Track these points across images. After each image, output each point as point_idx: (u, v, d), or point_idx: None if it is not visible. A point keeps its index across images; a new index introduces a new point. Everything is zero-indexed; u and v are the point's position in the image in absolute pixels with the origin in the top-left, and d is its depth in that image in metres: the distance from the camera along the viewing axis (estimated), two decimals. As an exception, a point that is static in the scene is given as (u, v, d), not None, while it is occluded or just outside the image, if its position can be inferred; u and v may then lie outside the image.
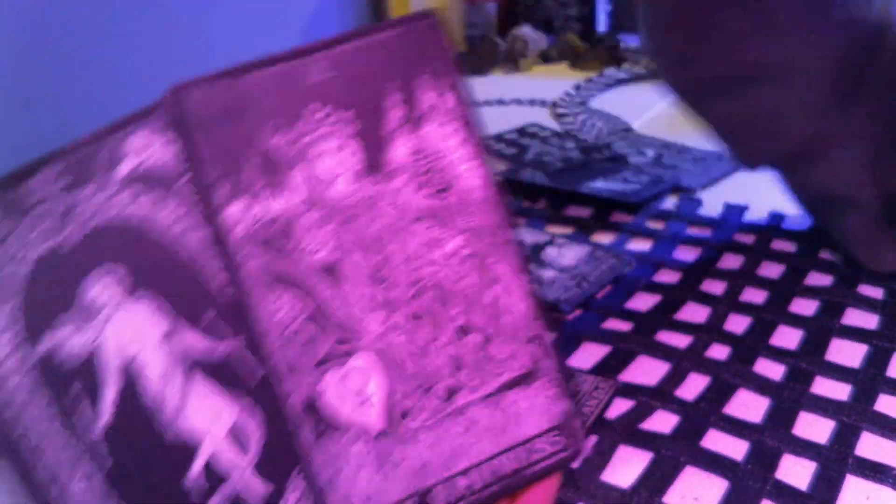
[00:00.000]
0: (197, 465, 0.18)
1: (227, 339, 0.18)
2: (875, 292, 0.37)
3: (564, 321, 0.38)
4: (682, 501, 0.27)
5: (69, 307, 0.17)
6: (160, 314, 0.18)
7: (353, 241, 0.19)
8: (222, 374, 0.18)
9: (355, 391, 0.19)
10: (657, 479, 0.28)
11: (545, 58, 0.85)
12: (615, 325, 0.37)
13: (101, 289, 0.18)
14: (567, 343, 0.36)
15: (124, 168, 0.18)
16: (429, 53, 0.20)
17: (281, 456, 0.18)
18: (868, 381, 0.32)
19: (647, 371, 0.34)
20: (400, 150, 0.19)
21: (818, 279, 0.39)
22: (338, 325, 0.19)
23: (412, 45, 0.20)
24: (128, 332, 0.18)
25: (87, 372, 0.17)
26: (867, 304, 0.37)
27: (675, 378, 0.33)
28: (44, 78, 0.57)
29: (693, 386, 0.33)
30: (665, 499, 0.27)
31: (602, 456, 0.29)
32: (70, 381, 0.18)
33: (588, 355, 0.35)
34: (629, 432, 0.30)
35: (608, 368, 0.34)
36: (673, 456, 0.29)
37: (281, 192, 0.19)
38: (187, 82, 0.18)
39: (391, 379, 0.19)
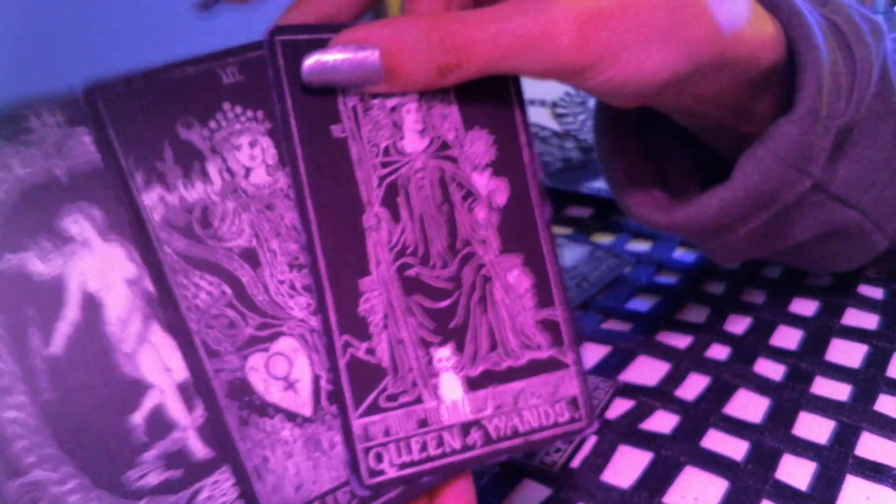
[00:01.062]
0: (140, 413, 0.18)
1: None
2: (875, 292, 0.37)
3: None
4: (682, 501, 0.27)
5: (39, 234, 0.18)
6: (128, 260, 0.18)
7: (269, 229, 0.20)
8: (173, 330, 0.19)
9: (279, 376, 0.19)
10: (657, 479, 0.28)
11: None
12: (615, 325, 0.38)
13: (74, 223, 0.18)
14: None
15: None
16: None
17: (222, 419, 0.19)
18: (868, 381, 0.32)
19: (647, 371, 0.34)
20: None
21: (818, 279, 0.39)
22: (259, 310, 0.19)
23: None
24: (93, 270, 0.18)
25: (42, 300, 0.17)
26: (867, 304, 0.37)
27: (675, 378, 0.33)
28: (47, 79, 0.58)
29: (693, 386, 0.33)
30: (665, 499, 0.27)
31: (602, 456, 0.29)
32: (23, 304, 0.17)
33: (588, 355, 0.35)
34: (629, 432, 0.30)
35: (608, 368, 0.34)
36: (673, 456, 0.29)
37: (196, 182, 0.19)
38: (104, 79, 0.19)
39: (316, 364, 0.20)
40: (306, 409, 0.19)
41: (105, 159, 0.18)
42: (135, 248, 0.18)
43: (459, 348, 0.21)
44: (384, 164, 0.21)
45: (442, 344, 0.21)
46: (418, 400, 0.20)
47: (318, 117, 0.20)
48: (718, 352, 0.35)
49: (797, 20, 0.27)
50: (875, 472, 0.27)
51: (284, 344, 0.19)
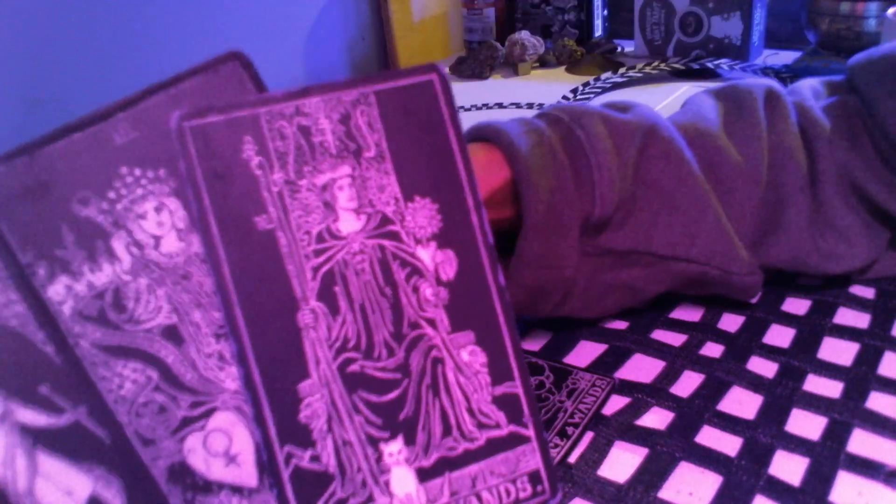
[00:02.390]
0: None
1: (68, 412, 0.18)
2: (866, 292, 0.38)
3: (561, 320, 0.38)
4: (677, 496, 0.27)
5: None
6: None
7: (189, 300, 0.19)
8: (68, 447, 0.18)
9: (220, 453, 0.19)
10: (652, 475, 0.28)
11: (543, 62, 0.86)
12: (611, 323, 0.38)
13: None
14: (564, 341, 0.37)
15: None
16: (233, 95, 0.20)
17: None
18: (859, 378, 0.32)
19: (642, 369, 0.34)
20: None
21: (810, 279, 0.39)
22: (189, 389, 0.19)
23: (216, 91, 0.20)
24: None
25: None
26: (858, 303, 0.37)
27: (669, 375, 0.34)
28: (50, 80, 0.58)
29: (687, 383, 0.33)
30: (660, 494, 0.27)
31: (598, 452, 0.29)
32: None
33: (584, 353, 0.36)
34: (625, 429, 0.30)
35: (604, 366, 0.35)
36: (668, 452, 0.29)
37: (102, 263, 0.18)
38: None
39: (256, 434, 0.19)
40: (252, 481, 0.19)
41: (2, 259, 0.17)
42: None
43: (410, 440, 0.20)
44: (318, 252, 0.19)
45: (391, 438, 0.20)
46: (369, 499, 0.20)
47: (239, 207, 0.18)
48: (712, 350, 0.35)
49: (508, 150, 0.32)
50: (867, 468, 0.28)
51: (220, 419, 0.19)
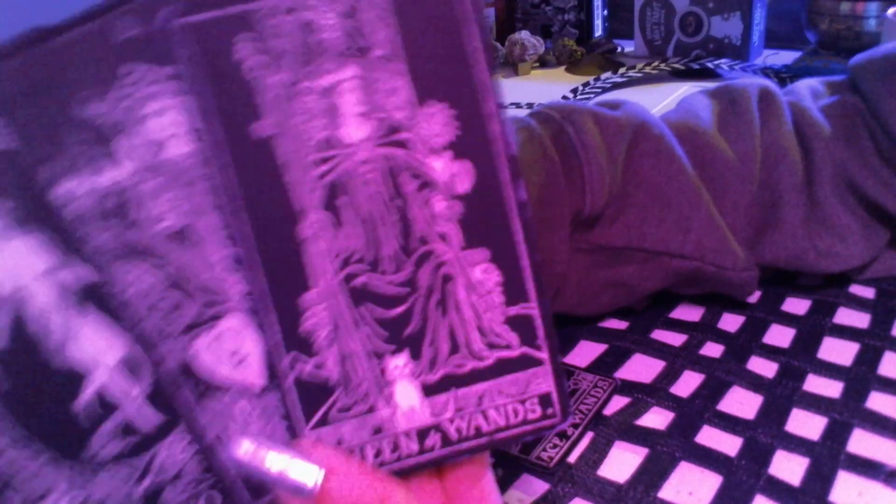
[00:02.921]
0: (86, 394, 0.18)
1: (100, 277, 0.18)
2: (866, 292, 0.38)
3: (561, 320, 0.38)
4: (677, 496, 0.27)
5: None
6: (46, 248, 0.18)
7: (200, 203, 0.18)
8: (112, 311, 0.18)
9: (230, 352, 0.19)
10: (652, 475, 0.28)
11: (543, 62, 0.86)
12: (611, 323, 0.38)
13: None
14: (564, 341, 0.37)
15: None
16: None
17: (170, 397, 0.19)
18: (859, 378, 0.32)
19: (642, 369, 0.34)
20: None
21: (810, 279, 0.39)
22: (201, 288, 0.18)
23: None
24: (9, 265, 0.18)
25: None
26: (858, 303, 0.37)
27: (669, 375, 0.34)
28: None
29: (687, 383, 0.33)
30: (660, 494, 0.27)
31: (598, 451, 0.29)
32: None
33: (584, 353, 0.36)
34: (625, 428, 0.30)
35: (604, 366, 0.35)
36: (668, 452, 0.29)
37: (108, 164, 0.17)
38: None
39: (265, 338, 0.19)
40: (259, 381, 0.19)
41: (21, 141, 0.17)
42: (53, 233, 0.17)
43: (416, 355, 0.20)
44: (320, 161, 0.18)
45: (396, 352, 0.20)
46: (371, 409, 0.19)
47: (234, 113, 0.17)
48: (712, 350, 0.35)
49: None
50: (867, 468, 0.28)
51: (230, 321, 0.19)
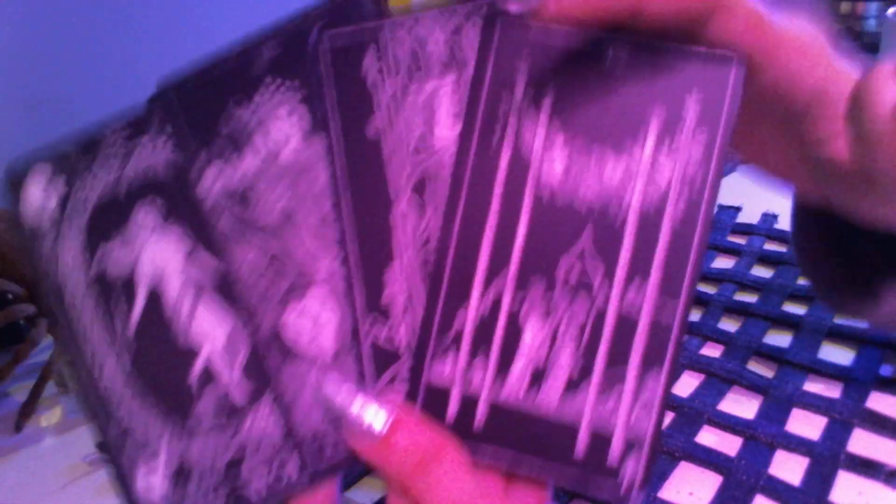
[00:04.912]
0: (198, 366, 0.22)
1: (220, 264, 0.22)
2: (867, 292, 0.38)
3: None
4: (678, 496, 0.27)
5: (120, 228, 0.22)
6: (184, 238, 0.22)
7: (305, 191, 0.21)
8: (222, 295, 0.22)
9: (311, 322, 0.21)
10: (653, 475, 0.28)
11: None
12: (611, 324, 0.38)
13: (144, 215, 0.22)
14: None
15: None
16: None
17: (256, 372, 0.22)
18: (859, 378, 0.32)
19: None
20: None
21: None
22: (296, 264, 0.21)
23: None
24: (158, 253, 0.22)
25: (126, 283, 0.22)
26: (859, 303, 0.37)
27: (670, 376, 0.34)
28: (50, 81, 0.58)
29: (688, 384, 0.33)
30: (660, 494, 0.27)
31: (598, 452, 0.29)
32: (113, 288, 0.22)
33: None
34: (625, 429, 0.30)
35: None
36: (668, 452, 0.29)
37: (246, 154, 0.22)
38: (175, 77, 0.22)
39: (342, 312, 0.21)
40: (332, 350, 0.21)
41: (177, 145, 0.22)
42: (189, 225, 0.22)
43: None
44: (416, 153, 0.21)
45: None
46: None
47: (355, 111, 0.21)
48: (712, 350, 0.35)
49: None
50: (867, 468, 0.28)
51: (315, 294, 0.21)
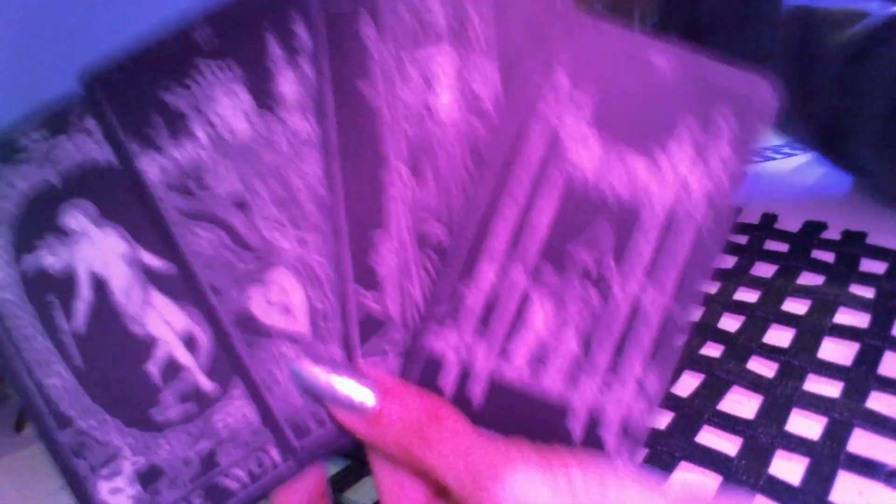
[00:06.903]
0: (153, 362, 0.21)
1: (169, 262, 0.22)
2: (866, 292, 0.38)
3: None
4: (677, 496, 0.27)
5: (46, 233, 0.21)
6: (121, 240, 0.21)
7: (254, 172, 0.21)
8: (173, 288, 0.21)
9: (277, 303, 0.21)
10: (652, 475, 0.28)
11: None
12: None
13: (72, 218, 0.21)
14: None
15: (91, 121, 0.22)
16: None
17: (224, 359, 0.21)
18: (860, 378, 0.32)
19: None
20: (286, 87, 0.21)
21: (810, 279, 0.39)
22: (252, 247, 0.21)
23: None
24: (94, 255, 0.21)
25: (59, 287, 0.21)
26: (859, 303, 0.37)
27: (669, 376, 0.33)
28: (50, 82, 0.58)
29: (687, 383, 0.33)
30: (660, 493, 0.27)
31: (598, 452, 0.29)
32: (46, 293, 0.21)
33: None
34: (624, 429, 0.30)
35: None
36: (668, 451, 0.29)
37: (184, 142, 0.21)
38: (98, 69, 0.22)
39: (309, 289, 0.21)
40: (305, 330, 0.21)
41: (108, 139, 0.21)
42: (129, 219, 0.21)
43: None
44: (412, 124, 0.21)
45: None
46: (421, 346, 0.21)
47: (350, 75, 0.21)
48: (712, 350, 0.35)
49: None
50: (867, 467, 0.27)
51: (278, 274, 0.21)
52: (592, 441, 0.20)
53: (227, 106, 0.21)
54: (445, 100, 0.21)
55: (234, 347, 0.21)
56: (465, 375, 0.20)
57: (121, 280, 0.21)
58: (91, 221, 0.21)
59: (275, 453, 0.21)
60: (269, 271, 0.21)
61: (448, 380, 0.20)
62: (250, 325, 0.21)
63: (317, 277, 0.21)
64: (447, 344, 0.20)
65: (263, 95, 0.21)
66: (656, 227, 0.20)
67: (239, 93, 0.21)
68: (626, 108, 0.20)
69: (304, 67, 0.21)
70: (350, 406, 0.19)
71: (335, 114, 0.21)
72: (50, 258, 0.21)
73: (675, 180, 0.20)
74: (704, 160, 0.20)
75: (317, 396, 0.20)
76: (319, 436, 0.21)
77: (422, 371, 0.20)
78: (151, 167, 0.21)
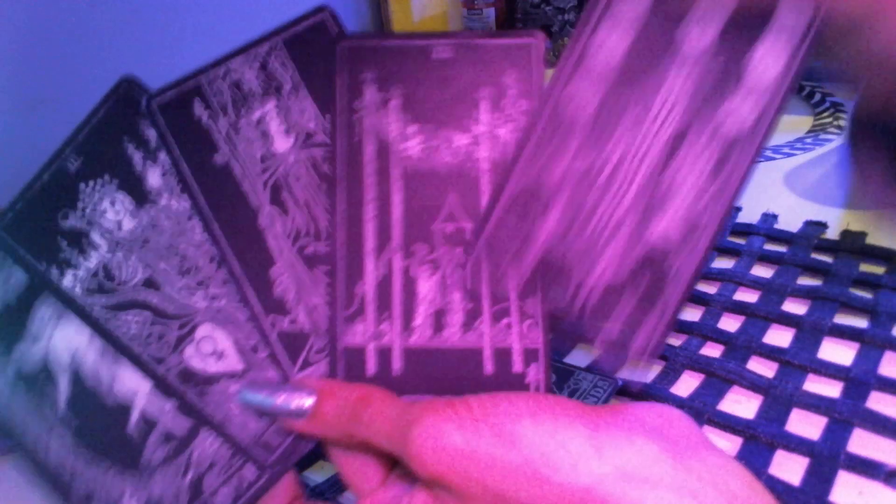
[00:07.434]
0: (134, 416, 0.25)
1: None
2: (866, 292, 0.38)
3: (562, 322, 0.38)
4: (677, 496, 0.27)
5: (21, 336, 0.25)
6: (78, 333, 0.25)
7: (153, 256, 0.25)
8: (127, 356, 0.25)
9: (210, 352, 0.25)
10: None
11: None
12: (611, 324, 0.38)
13: (39, 320, 0.25)
14: (564, 342, 0.37)
15: None
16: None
17: (186, 410, 0.24)
18: (859, 378, 0.32)
19: (642, 369, 0.34)
20: (154, 179, 0.26)
21: (810, 280, 0.39)
22: (173, 316, 0.25)
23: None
24: (64, 342, 0.25)
25: (44, 371, 0.25)
26: (858, 303, 0.37)
27: (669, 375, 0.34)
28: (50, 81, 0.58)
29: (688, 384, 0.33)
30: (660, 494, 0.27)
31: (598, 452, 0.29)
32: (36, 379, 0.25)
33: (585, 355, 0.36)
34: (625, 429, 0.30)
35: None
36: (668, 452, 0.29)
37: (90, 252, 0.25)
38: (5, 217, 0.26)
39: (231, 332, 0.25)
40: (240, 367, 0.25)
41: (28, 272, 0.25)
42: (79, 315, 0.25)
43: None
44: (264, 170, 0.25)
45: None
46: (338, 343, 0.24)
47: (200, 151, 0.25)
48: (712, 350, 0.35)
49: None
50: (867, 467, 0.28)
51: (203, 329, 0.25)
52: (503, 369, 0.23)
53: (114, 212, 0.25)
54: (284, 143, 0.25)
55: (189, 401, 0.24)
56: (382, 355, 0.23)
57: (89, 363, 0.25)
58: (52, 323, 0.25)
59: (251, 472, 0.24)
60: (196, 330, 0.25)
61: (370, 364, 0.24)
62: (196, 378, 0.25)
63: (236, 320, 0.25)
64: (361, 337, 0.24)
65: (139, 193, 0.25)
66: (486, 180, 0.24)
67: (120, 198, 0.25)
68: (431, 99, 0.24)
69: (162, 159, 0.25)
70: (295, 413, 0.23)
71: (199, 186, 0.25)
72: (27, 360, 0.25)
73: (489, 139, 0.24)
74: (509, 115, 0.24)
75: (268, 415, 0.24)
76: (285, 447, 0.24)
77: (346, 365, 0.24)
78: (71, 281, 0.25)
